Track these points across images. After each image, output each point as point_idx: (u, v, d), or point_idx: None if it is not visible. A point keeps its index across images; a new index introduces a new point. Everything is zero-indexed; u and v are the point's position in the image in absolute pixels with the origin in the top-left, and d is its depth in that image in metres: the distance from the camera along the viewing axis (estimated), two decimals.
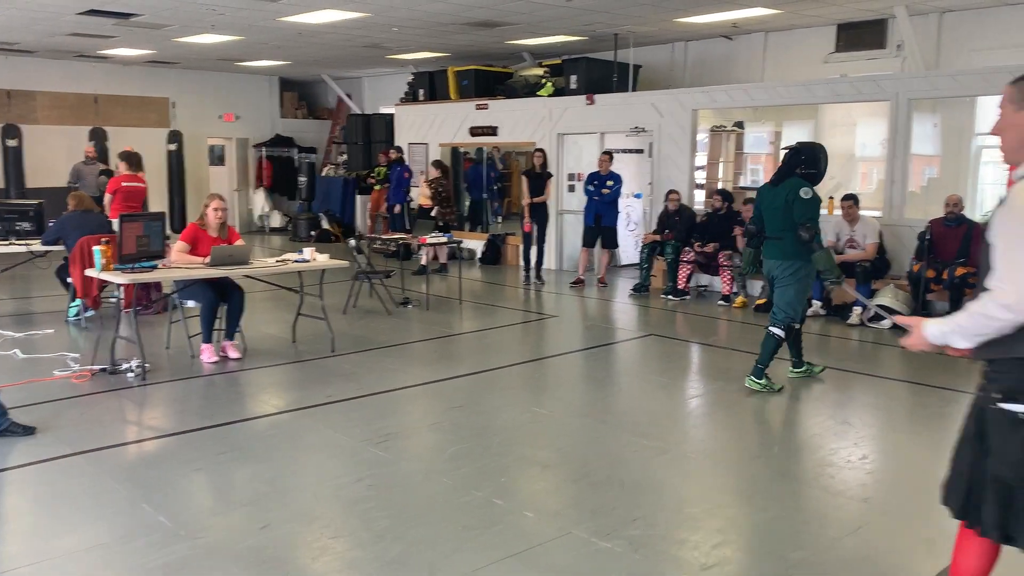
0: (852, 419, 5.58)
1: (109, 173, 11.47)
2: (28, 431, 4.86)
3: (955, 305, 7.96)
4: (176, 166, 16.33)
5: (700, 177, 12.49)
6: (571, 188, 12.34)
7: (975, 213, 10.14)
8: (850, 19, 10.65)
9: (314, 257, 7.12)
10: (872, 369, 6.69)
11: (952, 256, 8.07)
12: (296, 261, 7.06)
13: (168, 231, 9.92)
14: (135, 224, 6.39)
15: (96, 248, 6.32)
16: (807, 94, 9.99)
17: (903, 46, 10.23)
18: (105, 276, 6.27)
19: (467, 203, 14.74)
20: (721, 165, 13.12)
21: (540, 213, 11.15)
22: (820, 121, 11.99)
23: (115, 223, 7.25)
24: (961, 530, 2.60)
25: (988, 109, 10.27)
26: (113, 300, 7.98)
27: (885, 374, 6.56)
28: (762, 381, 5.95)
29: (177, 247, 6.64)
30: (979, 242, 8.08)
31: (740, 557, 3.53)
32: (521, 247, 11.55)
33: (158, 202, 15.67)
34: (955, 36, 10.12)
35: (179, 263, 6.53)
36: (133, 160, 9.42)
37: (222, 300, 6.77)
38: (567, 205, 12.33)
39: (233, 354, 6.79)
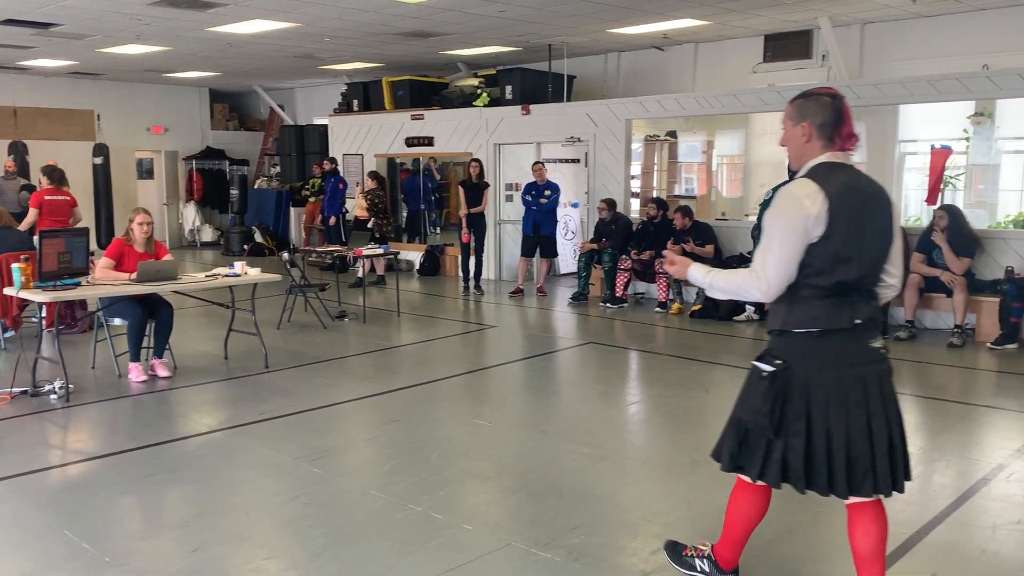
0: None
1: (31, 188, 11.08)
2: None
3: (883, 308, 8.19)
4: (103, 180, 15.84)
5: (636, 186, 12.64)
6: (509, 198, 12.36)
7: (900, 218, 10.48)
8: (777, 30, 10.92)
9: (245, 271, 6.97)
10: None
11: None
12: (226, 275, 6.90)
13: (95, 247, 9.61)
14: (56, 240, 6.15)
15: (15, 265, 6.08)
16: (736, 103, 10.19)
17: (828, 56, 10.52)
18: (24, 294, 6.03)
19: (404, 214, 14.65)
20: (655, 174, 13.30)
21: (478, 223, 11.13)
22: (750, 130, 12.26)
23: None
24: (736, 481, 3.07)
25: (910, 117, 10.63)
26: (35, 320, 7.68)
27: None
28: None
29: (101, 263, 6.43)
30: (905, 246, 8.28)
31: None
32: (459, 258, 11.52)
33: (84, 217, 15.16)
34: (877, 46, 10.47)
35: (104, 279, 6.32)
36: (55, 174, 9.12)
37: (150, 317, 6.58)
38: (505, 215, 12.34)
39: (162, 372, 6.60)
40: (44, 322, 6.35)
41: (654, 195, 12.54)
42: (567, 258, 12.61)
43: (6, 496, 4.23)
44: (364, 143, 14.09)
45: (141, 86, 16.88)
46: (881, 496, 2.81)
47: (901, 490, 2.83)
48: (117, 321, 6.64)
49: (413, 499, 4.14)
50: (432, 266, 13.06)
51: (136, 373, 6.46)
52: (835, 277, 2.69)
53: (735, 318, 8.96)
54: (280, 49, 12.28)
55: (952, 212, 8.05)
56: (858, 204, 2.70)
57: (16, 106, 15.32)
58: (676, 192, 13.28)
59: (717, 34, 11.18)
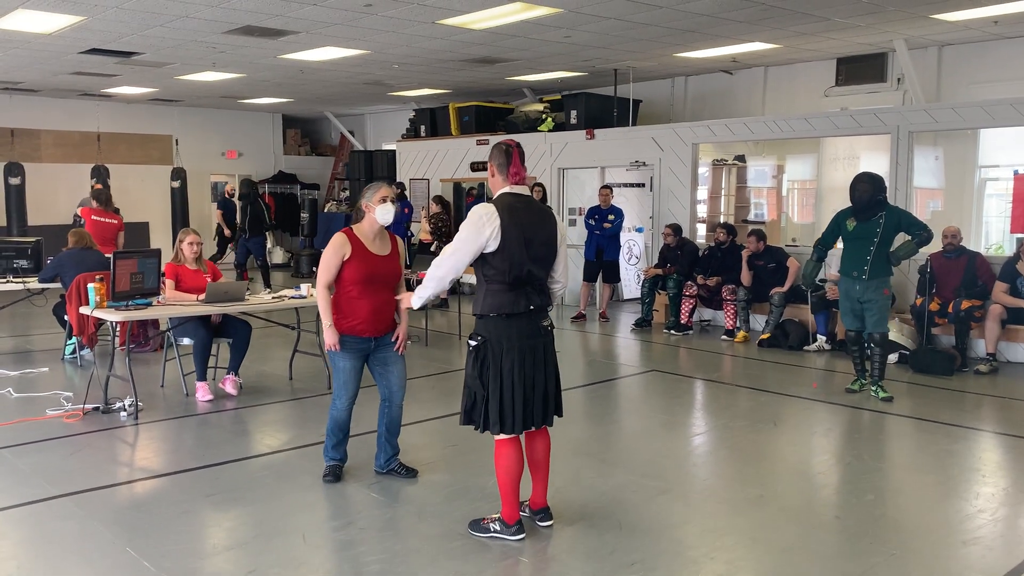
0: (860, 456, 5.45)
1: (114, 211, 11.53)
2: (411, 473, 4.85)
3: (961, 339, 7.84)
4: (179, 203, 16.36)
5: (703, 211, 12.46)
6: (572, 222, 12.31)
7: (979, 245, 10.06)
8: (850, 53, 10.68)
9: (311, 293, 7.05)
10: (878, 405, 6.57)
11: (955, 288, 7.96)
12: (292, 297, 7.00)
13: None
14: (129, 261, 6.34)
15: (90, 285, 6.27)
16: (807, 127, 9.97)
17: (903, 79, 10.24)
18: (98, 314, 6.22)
19: None
20: (723, 199, 13.09)
21: None
22: (822, 155, 11.97)
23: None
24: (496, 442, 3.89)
25: (991, 141, 10.25)
26: (110, 338, 7.91)
27: (891, 411, 6.43)
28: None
29: (168, 285, 6.62)
30: (985, 273, 7.99)
31: None
32: None
33: (162, 239, 15.68)
34: (955, 69, 10.13)
35: (173, 300, 6.48)
36: (102, 196, 9.80)
37: (218, 336, 6.72)
38: (568, 239, 12.27)
39: (231, 390, 6.71)
40: (117, 341, 6.51)
41: (721, 220, 12.34)
42: (630, 283, 12.47)
43: (73, 511, 4.32)
44: (431, 168, 14.24)
45: (217, 112, 17.42)
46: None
47: (551, 423, 3.95)
48: (186, 341, 6.79)
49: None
50: None
51: (203, 392, 6.58)
52: (512, 275, 3.72)
53: (805, 348, 8.71)
54: (350, 76, 12.52)
55: None
56: (527, 221, 3.77)
57: (100, 131, 15.95)
58: (745, 217, 13.02)
59: (787, 57, 10.98)
